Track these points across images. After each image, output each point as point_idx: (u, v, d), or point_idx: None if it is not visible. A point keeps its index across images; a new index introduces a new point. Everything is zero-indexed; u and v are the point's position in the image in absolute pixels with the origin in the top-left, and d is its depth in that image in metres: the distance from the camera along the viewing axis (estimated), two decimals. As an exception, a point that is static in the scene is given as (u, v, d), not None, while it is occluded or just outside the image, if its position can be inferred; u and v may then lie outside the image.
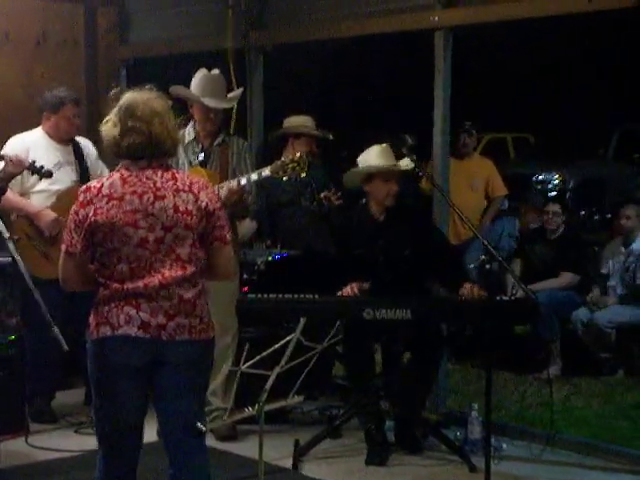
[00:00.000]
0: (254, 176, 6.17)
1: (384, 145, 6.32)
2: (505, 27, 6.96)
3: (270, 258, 7.14)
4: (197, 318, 4.21)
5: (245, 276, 7.00)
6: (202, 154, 6.43)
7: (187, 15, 8.29)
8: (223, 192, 6.12)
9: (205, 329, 4.25)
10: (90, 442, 6.23)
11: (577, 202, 13.72)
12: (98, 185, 4.16)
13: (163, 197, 4.15)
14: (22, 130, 6.91)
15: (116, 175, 4.18)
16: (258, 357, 4.22)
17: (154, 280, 4.12)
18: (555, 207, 8.41)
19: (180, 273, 4.15)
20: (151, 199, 4.13)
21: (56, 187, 6.67)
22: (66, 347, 3.85)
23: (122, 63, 8.80)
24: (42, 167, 6.23)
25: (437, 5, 6.65)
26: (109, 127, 4.19)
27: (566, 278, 8.20)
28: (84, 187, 4.21)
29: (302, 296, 5.89)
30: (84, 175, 6.85)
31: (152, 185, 4.15)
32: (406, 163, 6.22)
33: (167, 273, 4.14)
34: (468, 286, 5.96)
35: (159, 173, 4.19)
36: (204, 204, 4.19)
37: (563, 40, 16.45)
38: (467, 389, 7.41)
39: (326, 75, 18.21)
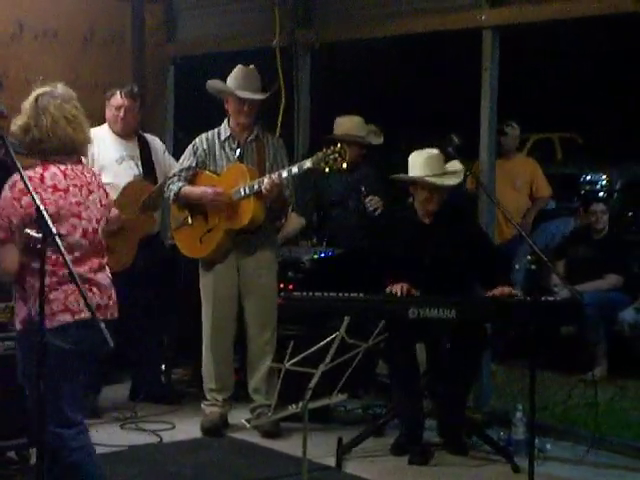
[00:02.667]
0: (295, 169, 6.18)
1: (434, 153, 6.15)
2: (552, 26, 6.93)
3: (316, 256, 7.15)
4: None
5: (290, 274, 7.02)
6: (238, 150, 6.47)
7: (234, 13, 8.34)
8: (264, 185, 6.15)
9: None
10: (135, 437, 6.31)
11: (624, 203, 13.57)
12: (38, 175, 4.26)
13: (93, 191, 4.40)
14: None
15: (53, 167, 4.29)
16: (302, 355, 4.22)
17: (94, 265, 4.36)
18: (600, 206, 8.34)
19: (105, 260, 4.45)
20: (86, 192, 4.36)
21: (120, 181, 6.75)
22: (112, 343, 3.85)
23: (169, 60, 8.86)
24: None
25: (485, 4, 6.64)
26: (38, 123, 4.28)
27: (611, 280, 8.14)
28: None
29: (347, 294, 5.89)
30: (148, 169, 6.93)
31: (85, 179, 4.38)
32: (453, 180, 6.12)
33: (97, 260, 4.38)
34: (499, 289, 5.93)
35: (82, 168, 4.42)
36: (109, 199, 4.58)
37: (611, 39, 16.31)
38: (511, 389, 7.37)
39: (374, 73, 18.16)
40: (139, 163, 6.91)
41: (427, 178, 6.09)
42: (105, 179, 6.54)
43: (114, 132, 6.90)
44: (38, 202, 3.94)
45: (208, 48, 8.70)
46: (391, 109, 16.38)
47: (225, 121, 6.53)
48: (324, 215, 7.53)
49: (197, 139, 6.55)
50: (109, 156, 6.79)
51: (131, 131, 6.98)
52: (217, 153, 6.48)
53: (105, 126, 6.95)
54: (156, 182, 6.90)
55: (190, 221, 6.52)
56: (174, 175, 6.50)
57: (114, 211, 4.76)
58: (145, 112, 8.69)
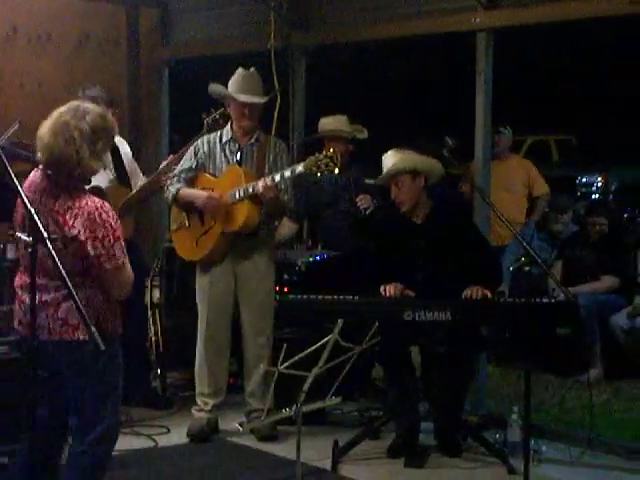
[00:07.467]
0: (287, 173, 6.16)
1: (394, 150, 6.21)
2: (547, 28, 6.93)
3: (310, 259, 7.15)
4: None
5: (286, 276, 7.02)
6: (238, 153, 6.46)
7: (229, 16, 8.34)
8: (258, 188, 6.15)
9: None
10: (130, 442, 6.28)
11: (619, 205, 13.60)
12: None
13: None
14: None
15: None
16: (296, 358, 4.22)
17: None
18: (601, 219, 8.30)
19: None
20: None
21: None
22: (102, 346, 3.84)
23: (164, 63, 8.86)
24: None
25: (479, 7, 6.64)
26: None
27: (607, 282, 8.12)
28: None
29: (341, 297, 5.88)
30: (121, 174, 6.89)
31: None
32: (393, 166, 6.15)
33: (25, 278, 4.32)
34: (471, 289, 5.93)
35: None
36: None
37: (606, 40, 16.36)
38: (507, 391, 7.38)
39: (368, 76, 18.19)
40: (112, 168, 6.87)
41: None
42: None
43: None
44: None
45: (203, 51, 8.71)
46: (385, 111, 16.42)
47: (228, 124, 6.53)
48: (316, 217, 7.53)
49: (199, 140, 6.54)
50: None
51: None
52: (217, 156, 6.46)
53: None
54: (129, 186, 6.88)
55: (187, 223, 6.51)
56: (174, 176, 6.48)
57: None
58: (140, 115, 8.72)
